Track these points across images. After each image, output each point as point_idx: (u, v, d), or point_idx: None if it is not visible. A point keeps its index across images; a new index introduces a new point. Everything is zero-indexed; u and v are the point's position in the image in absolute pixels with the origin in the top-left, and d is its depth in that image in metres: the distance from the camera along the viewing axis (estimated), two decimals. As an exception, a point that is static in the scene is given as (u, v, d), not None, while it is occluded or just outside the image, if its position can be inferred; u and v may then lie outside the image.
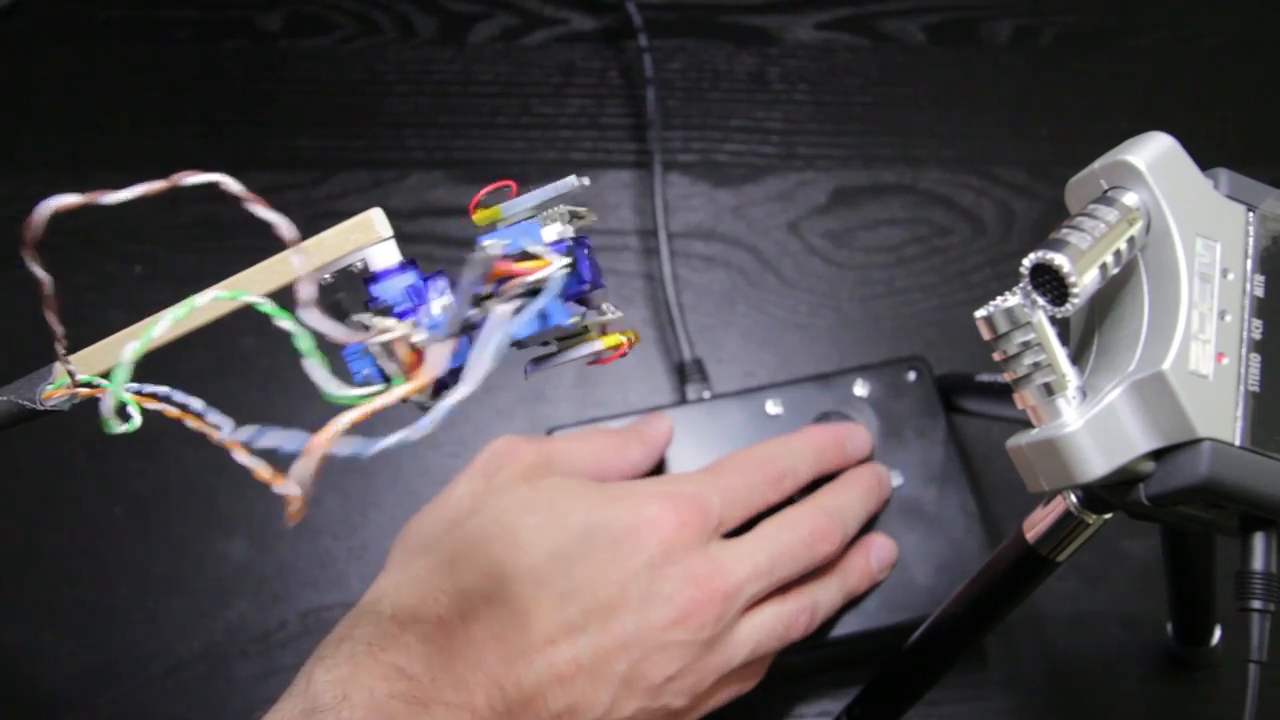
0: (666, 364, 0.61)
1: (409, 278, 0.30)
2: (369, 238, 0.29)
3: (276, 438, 0.26)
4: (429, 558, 0.44)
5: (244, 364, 0.60)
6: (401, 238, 0.30)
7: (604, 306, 0.32)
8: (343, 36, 0.70)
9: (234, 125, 0.68)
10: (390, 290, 0.30)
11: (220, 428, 0.28)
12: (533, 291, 0.29)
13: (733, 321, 0.62)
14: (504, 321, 0.28)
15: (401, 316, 0.30)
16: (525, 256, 0.30)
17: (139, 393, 0.30)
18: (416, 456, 0.58)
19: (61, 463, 0.58)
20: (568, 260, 0.30)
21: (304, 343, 0.26)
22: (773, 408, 0.54)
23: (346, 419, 0.26)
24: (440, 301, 0.30)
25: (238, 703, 0.53)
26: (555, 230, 0.31)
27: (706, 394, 0.57)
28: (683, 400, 0.57)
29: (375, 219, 0.29)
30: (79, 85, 0.68)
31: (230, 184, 0.25)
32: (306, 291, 0.25)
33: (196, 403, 0.29)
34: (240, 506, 0.57)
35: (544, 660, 0.42)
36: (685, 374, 0.58)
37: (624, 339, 0.32)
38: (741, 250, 0.64)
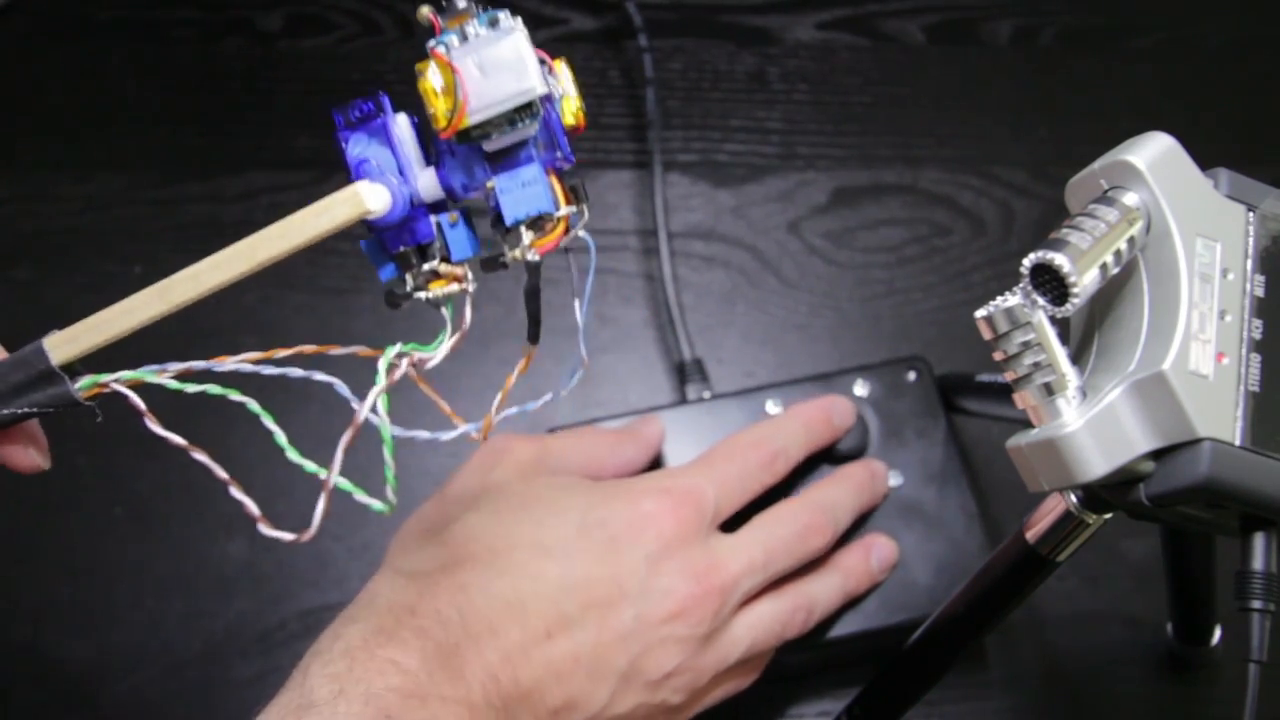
0: (666, 364, 0.61)
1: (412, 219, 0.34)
2: (358, 210, 0.33)
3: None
4: (426, 553, 0.44)
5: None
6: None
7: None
8: (343, 36, 0.70)
9: (234, 125, 0.68)
10: (404, 238, 0.34)
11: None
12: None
13: (733, 321, 0.62)
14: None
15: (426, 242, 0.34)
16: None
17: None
18: (415, 457, 0.58)
19: (61, 463, 0.57)
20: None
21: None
22: (773, 408, 0.54)
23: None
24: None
25: (238, 702, 0.53)
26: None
27: (706, 394, 0.57)
28: (683, 400, 0.57)
29: (363, 192, 0.33)
30: (79, 85, 0.68)
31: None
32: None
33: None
34: (240, 506, 0.57)
35: (541, 655, 0.42)
36: (685, 374, 0.58)
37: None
38: (741, 250, 0.64)
